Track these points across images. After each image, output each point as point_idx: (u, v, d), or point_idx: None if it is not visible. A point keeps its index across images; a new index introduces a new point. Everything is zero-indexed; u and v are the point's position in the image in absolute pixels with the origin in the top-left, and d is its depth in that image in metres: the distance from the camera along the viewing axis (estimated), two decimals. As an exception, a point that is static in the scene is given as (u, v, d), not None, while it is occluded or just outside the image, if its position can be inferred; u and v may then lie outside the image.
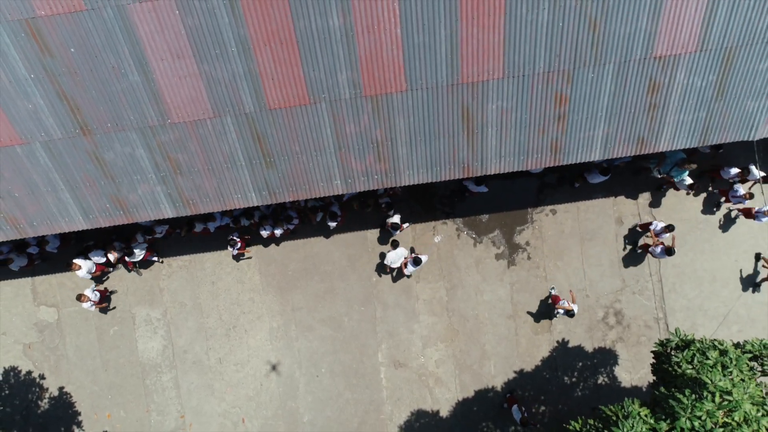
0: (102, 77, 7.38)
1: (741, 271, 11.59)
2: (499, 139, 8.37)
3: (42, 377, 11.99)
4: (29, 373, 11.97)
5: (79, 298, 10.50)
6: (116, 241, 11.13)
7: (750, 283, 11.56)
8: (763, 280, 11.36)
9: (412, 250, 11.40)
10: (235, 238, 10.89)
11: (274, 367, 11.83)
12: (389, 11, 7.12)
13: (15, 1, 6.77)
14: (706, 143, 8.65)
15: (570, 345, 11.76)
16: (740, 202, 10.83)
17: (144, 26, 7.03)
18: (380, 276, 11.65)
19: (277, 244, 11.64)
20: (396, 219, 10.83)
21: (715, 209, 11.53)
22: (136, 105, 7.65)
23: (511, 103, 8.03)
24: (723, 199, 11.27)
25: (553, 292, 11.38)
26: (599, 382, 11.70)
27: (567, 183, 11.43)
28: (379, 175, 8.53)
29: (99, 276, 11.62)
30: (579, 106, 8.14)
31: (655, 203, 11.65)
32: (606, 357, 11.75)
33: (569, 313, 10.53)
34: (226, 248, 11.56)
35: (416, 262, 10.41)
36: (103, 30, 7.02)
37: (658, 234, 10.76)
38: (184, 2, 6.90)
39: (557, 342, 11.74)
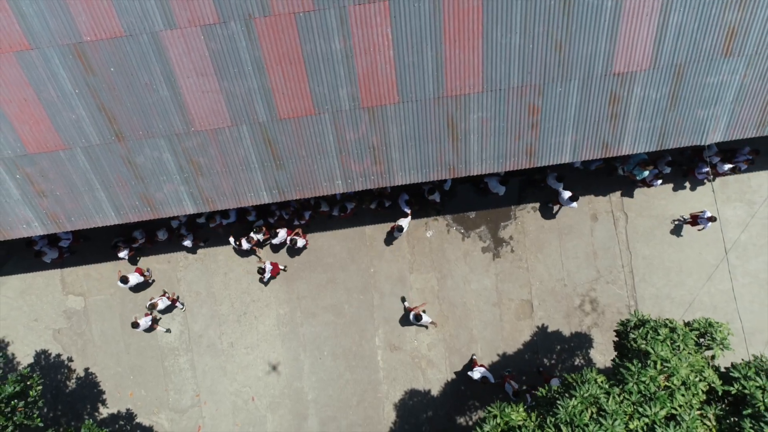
0: (136, 92, 8.58)
1: (704, 262, 12.77)
2: (481, 144, 9.56)
3: (70, 359, 13.18)
4: (58, 355, 13.17)
5: (125, 280, 11.68)
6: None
7: (708, 275, 12.74)
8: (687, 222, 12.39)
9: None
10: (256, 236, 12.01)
11: (281, 351, 13.02)
12: (383, 36, 8.30)
13: (65, 28, 7.96)
14: (663, 147, 9.83)
15: (549, 330, 12.94)
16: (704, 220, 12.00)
17: (174, 49, 8.22)
18: (378, 267, 12.84)
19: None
20: (404, 223, 11.92)
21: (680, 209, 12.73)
22: (164, 115, 8.84)
23: (490, 113, 9.22)
24: (690, 220, 12.42)
25: (474, 357, 12.63)
26: (576, 363, 12.87)
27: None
28: (375, 176, 9.72)
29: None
30: (549, 115, 9.32)
31: (627, 199, 12.83)
32: (582, 341, 12.93)
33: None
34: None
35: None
36: (138, 52, 8.21)
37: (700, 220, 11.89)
38: (207, 29, 8.09)
39: (538, 327, 12.92)
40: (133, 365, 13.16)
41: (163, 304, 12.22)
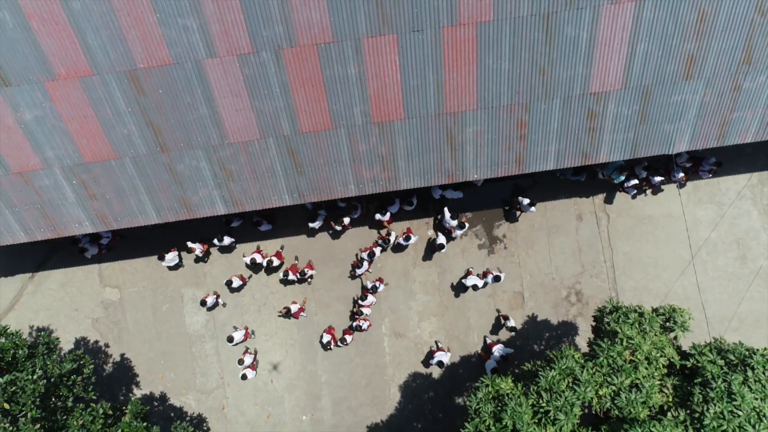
0: (179, 110, 10.00)
1: (678, 258, 14.18)
2: (476, 153, 10.97)
3: (107, 346, 14.62)
4: (96, 342, 14.60)
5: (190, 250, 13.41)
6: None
7: (682, 269, 14.16)
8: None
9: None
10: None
11: (297, 338, 14.45)
12: (391, 63, 9.72)
13: (122, 57, 9.38)
14: (636, 156, 11.24)
15: (539, 319, 14.36)
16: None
17: (213, 74, 9.65)
18: (384, 263, 14.26)
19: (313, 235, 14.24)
20: (413, 240, 13.36)
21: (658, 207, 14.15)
22: (202, 130, 10.27)
23: (484, 127, 10.63)
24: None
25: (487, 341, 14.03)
26: (562, 348, 14.27)
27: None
28: (384, 181, 11.15)
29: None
30: (535, 129, 10.73)
31: (608, 202, 14.26)
32: (568, 328, 14.35)
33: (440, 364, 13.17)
34: (257, 241, 14.18)
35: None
36: (183, 77, 9.64)
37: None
38: (243, 58, 9.52)
39: (528, 316, 14.35)
40: (163, 351, 14.59)
41: (236, 283, 13.69)
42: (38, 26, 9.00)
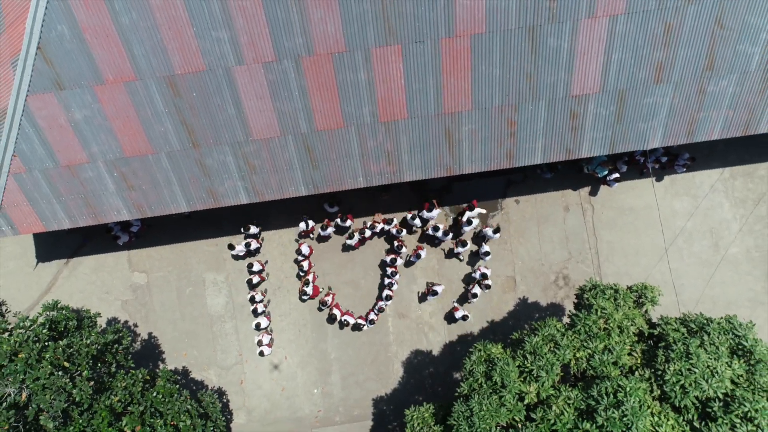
0: (210, 111, 11.39)
1: (656, 246, 15.55)
2: (471, 149, 12.34)
3: (135, 325, 16.01)
4: (126, 322, 15.99)
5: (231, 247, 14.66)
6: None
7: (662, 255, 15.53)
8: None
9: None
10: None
11: (309, 318, 15.84)
12: (396, 69, 11.10)
13: (163, 65, 10.76)
14: (614, 152, 12.59)
15: (529, 301, 15.74)
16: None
17: (241, 80, 11.03)
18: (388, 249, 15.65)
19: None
20: (423, 256, 14.78)
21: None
22: (230, 128, 11.65)
23: (478, 125, 12.00)
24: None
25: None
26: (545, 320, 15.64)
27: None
28: (389, 174, 12.52)
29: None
30: (524, 127, 12.09)
31: (593, 194, 15.63)
32: (556, 310, 15.73)
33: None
34: (271, 230, 15.56)
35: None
36: (215, 82, 11.02)
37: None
38: (267, 65, 10.90)
39: (519, 299, 15.73)
40: (187, 330, 15.99)
41: (256, 267, 14.94)
42: (91, 38, 10.39)
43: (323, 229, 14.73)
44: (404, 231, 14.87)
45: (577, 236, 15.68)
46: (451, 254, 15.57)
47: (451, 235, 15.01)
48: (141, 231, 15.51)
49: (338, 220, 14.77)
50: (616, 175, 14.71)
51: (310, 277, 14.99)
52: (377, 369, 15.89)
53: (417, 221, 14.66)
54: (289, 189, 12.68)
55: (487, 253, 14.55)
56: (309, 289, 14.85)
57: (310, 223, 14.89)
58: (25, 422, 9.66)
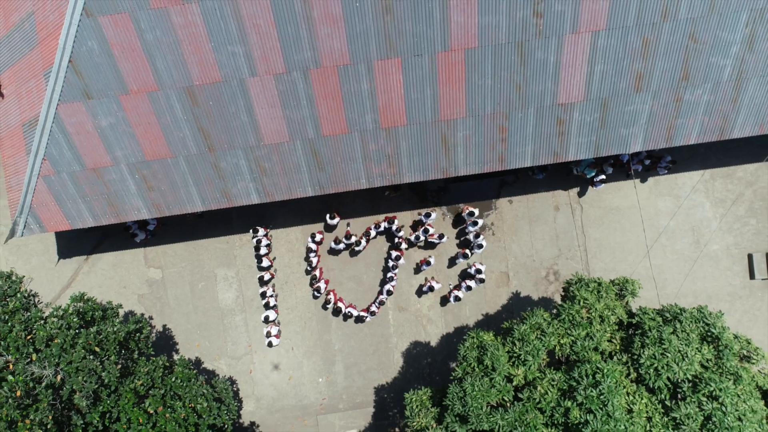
0: (225, 118, 12.38)
1: (641, 243, 16.53)
2: (466, 153, 13.33)
3: (151, 318, 17.00)
4: (142, 315, 16.94)
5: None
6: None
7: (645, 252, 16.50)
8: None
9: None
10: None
11: (314, 311, 16.82)
12: (396, 80, 12.09)
13: (183, 76, 11.76)
14: (598, 155, 13.57)
15: (522, 295, 16.73)
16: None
17: (254, 90, 12.03)
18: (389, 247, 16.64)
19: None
20: (433, 262, 15.86)
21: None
22: (243, 134, 12.64)
23: (472, 131, 12.98)
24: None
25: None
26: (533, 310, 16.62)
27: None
28: (390, 176, 13.51)
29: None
30: (514, 133, 13.07)
31: (581, 195, 16.61)
32: (547, 303, 16.71)
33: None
34: (279, 229, 16.54)
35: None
36: (230, 92, 12.02)
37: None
38: (278, 76, 11.89)
39: (512, 293, 16.71)
40: (199, 323, 16.98)
41: (265, 263, 16.01)
42: (118, 53, 11.39)
43: (336, 243, 15.75)
44: (402, 232, 15.81)
45: (566, 234, 16.65)
46: (452, 262, 16.56)
47: (446, 238, 15.92)
48: (157, 229, 16.50)
49: (344, 238, 15.78)
50: (602, 176, 15.70)
51: (317, 273, 15.98)
52: (378, 359, 16.88)
53: (421, 235, 15.68)
54: (297, 190, 13.67)
55: (480, 246, 15.54)
56: (322, 285, 15.82)
57: (319, 236, 15.96)
58: (60, 401, 10.66)
